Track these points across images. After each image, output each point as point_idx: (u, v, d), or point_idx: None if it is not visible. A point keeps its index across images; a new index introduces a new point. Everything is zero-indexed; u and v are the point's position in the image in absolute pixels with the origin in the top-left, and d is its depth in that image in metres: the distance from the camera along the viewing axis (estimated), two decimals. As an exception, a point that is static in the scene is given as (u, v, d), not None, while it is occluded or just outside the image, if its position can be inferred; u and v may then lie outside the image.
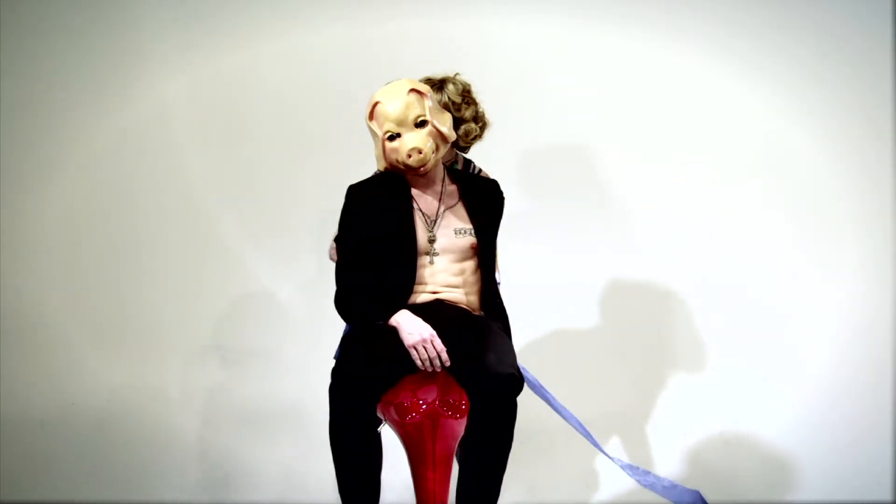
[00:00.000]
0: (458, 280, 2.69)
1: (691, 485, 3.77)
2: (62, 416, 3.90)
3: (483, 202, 2.77)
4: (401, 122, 2.64)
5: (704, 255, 3.97)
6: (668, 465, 3.87)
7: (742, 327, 3.94)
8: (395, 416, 2.55)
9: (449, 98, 2.90)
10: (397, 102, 2.64)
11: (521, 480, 3.54)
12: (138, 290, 4.00)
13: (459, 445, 2.59)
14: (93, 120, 4.05)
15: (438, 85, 2.92)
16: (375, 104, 2.67)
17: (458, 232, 2.70)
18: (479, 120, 2.97)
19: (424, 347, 2.53)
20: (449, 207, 2.74)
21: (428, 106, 2.67)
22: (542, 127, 4.01)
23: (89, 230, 4.03)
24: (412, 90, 2.67)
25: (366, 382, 2.47)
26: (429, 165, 2.67)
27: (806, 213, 3.99)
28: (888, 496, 3.79)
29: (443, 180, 2.77)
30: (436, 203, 2.73)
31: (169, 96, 4.05)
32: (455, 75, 2.98)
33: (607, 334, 3.97)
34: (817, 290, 3.96)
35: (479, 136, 2.97)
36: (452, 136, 2.74)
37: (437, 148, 2.69)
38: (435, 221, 2.71)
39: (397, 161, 2.67)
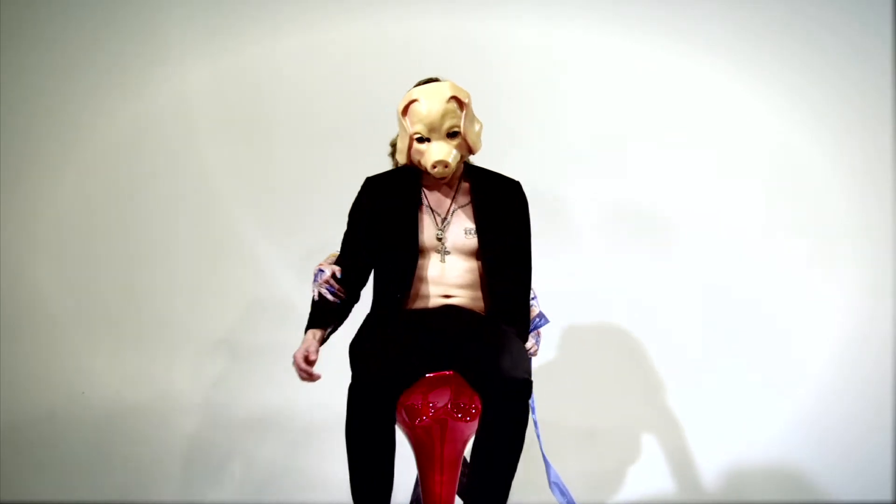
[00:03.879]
0: (469, 281, 2.65)
1: (694, 484, 3.81)
2: (71, 408, 3.89)
3: (494, 202, 2.70)
4: (433, 129, 2.57)
5: (706, 259, 3.96)
6: (670, 466, 3.88)
7: (743, 327, 3.94)
8: (406, 419, 2.55)
9: None
10: (435, 107, 2.56)
11: (528, 481, 3.53)
12: (151, 284, 3.98)
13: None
14: (110, 110, 4.02)
15: None
16: (413, 101, 2.59)
17: (467, 232, 2.66)
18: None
19: (298, 369, 2.57)
20: (461, 206, 2.69)
21: (464, 116, 2.59)
22: (550, 131, 3.99)
23: (104, 221, 4.00)
24: (454, 97, 2.58)
25: (387, 382, 2.42)
26: (449, 175, 2.64)
27: (807, 216, 3.98)
28: (888, 496, 3.80)
29: (459, 178, 2.73)
30: (448, 201, 2.69)
31: (187, 88, 4.02)
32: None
33: (607, 339, 3.96)
34: (819, 290, 3.96)
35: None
36: (480, 146, 2.67)
37: (462, 158, 2.65)
38: (445, 219, 2.67)
39: (420, 163, 2.64)
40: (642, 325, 3.95)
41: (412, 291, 2.64)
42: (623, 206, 3.97)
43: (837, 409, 3.90)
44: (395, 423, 2.48)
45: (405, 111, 2.60)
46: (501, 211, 2.70)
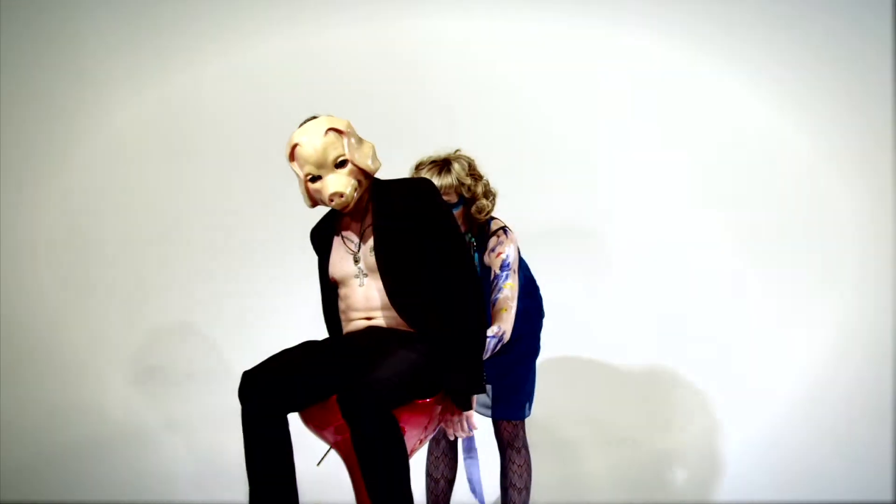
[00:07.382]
0: (386, 300, 2.62)
1: (693, 483, 3.84)
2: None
3: (392, 210, 2.64)
4: (320, 165, 2.59)
5: (705, 258, 3.94)
6: (669, 465, 3.87)
7: (744, 325, 3.92)
8: (337, 436, 2.53)
9: (458, 180, 2.87)
10: (315, 144, 2.58)
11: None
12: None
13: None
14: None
15: (443, 166, 2.89)
16: (294, 146, 2.62)
17: (371, 250, 2.63)
18: (489, 194, 2.95)
19: None
20: (368, 226, 2.66)
21: (346, 144, 2.60)
22: (520, 139, 3.99)
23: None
24: (330, 129, 2.60)
25: (273, 398, 2.41)
26: (352, 204, 2.62)
27: (806, 216, 3.96)
28: (888, 496, 3.76)
29: (367, 200, 2.69)
30: (358, 226, 2.68)
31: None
32: (456, 152, 2.94)
33: (609, 340, 3.95)
34: (821, 288, 3.93)
35: (491, 210, 2.95)
36: (375, 167, 2.65)
37: (361, 184, 2.63)
38: (358, 245, 2.66)
39: (321, 201, 2.65)
40: (641, 324, 3.93)
41: (344, 318, 2.68)
42: (616, 218, 3.98)
43: (837, 409, 3.87)
44: (284, 429, 2.44)
45: (291, 157, 2.64)
46: (400, 217, 2.63)
